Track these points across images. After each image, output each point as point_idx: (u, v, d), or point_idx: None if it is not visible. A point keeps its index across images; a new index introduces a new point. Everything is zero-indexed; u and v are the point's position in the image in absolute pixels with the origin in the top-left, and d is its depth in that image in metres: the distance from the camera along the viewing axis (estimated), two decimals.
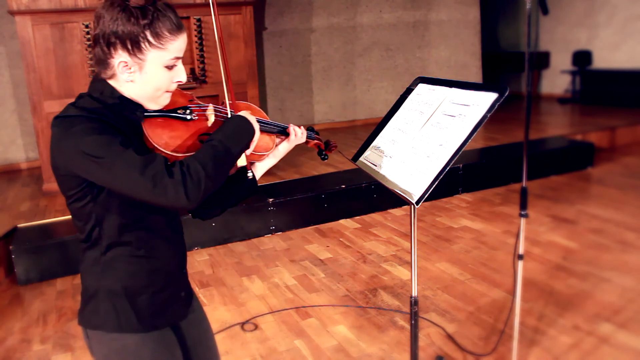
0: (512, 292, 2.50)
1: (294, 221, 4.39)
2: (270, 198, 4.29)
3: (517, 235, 2.34)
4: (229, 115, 1.38)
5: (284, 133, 1.52)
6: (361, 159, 1.84)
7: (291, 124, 1.53)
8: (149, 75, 1.22)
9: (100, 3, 1.21)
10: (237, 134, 1.27)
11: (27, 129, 5.97)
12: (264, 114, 1.53)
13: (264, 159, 1.50)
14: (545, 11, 2.90)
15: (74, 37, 4.60)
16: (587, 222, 4.21)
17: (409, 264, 3.62)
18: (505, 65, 9.90)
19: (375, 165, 1.74)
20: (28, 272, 3.62)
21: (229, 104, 1.39)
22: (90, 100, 1.22)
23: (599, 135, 6.40)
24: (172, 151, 1.24)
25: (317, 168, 5.24)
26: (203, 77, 5.00)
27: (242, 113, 1.33)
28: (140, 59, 1.19)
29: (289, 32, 7.06)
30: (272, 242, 4.17)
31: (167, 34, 1.19)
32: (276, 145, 1.52)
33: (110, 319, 1.27)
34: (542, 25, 9.42)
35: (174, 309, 1.38)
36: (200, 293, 3.38)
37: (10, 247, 3.60)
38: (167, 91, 1.27)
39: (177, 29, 1.21)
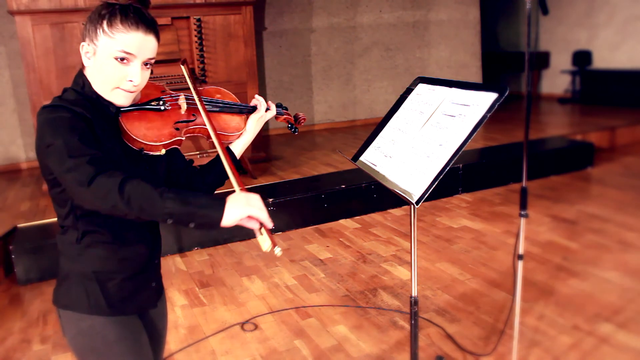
0: (512, 292, 2.49)
1: (294, 221, 4.39)
2: (270, 198, 4.29)
3: (517, 235, 2.34)
4: (199, 107, 1.43)
5: (252, 112, 1.60)
6: (361, 158, 1.84)
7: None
8: (99, 61, 1.28)
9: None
10: (195, 214, 1.13)
11: (27, 129, 5.96)
12: (234, 96, 1.59)
13: (235, 139, 1.56)
14: (545, 11, 2.90)
15: (74, 37, 4.60)
16: (587, 222, 4.21)
17: (409, 264, 3.62)
18: (505, 65, 9.90)
19: (375, 165, 1.74)
20: (28, 272, 3.62)
21: (196, 93, 1.45)
22: (73, 93, 1.31)
23: (599, 135, 6.39)
24: (150, 141, 1.33)
25: (317, 168, 5.24)
26: (203, 77, 5.00)
27: (236, 203, 1.14)
28: (95, 44, 1.28)
29: (289, 32, 7.06)
30: None
31: (119, 25, 1.25)
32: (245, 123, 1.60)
33: (80, 301, 1.34)
34: (542, 25, 9.42)
35: (143, 297, 1.44)
36: (200, 293, 3.38)
37: (10, 247, 3.59)
38: (121, 88, 1.29)
39: (134, 25, 1.26)
